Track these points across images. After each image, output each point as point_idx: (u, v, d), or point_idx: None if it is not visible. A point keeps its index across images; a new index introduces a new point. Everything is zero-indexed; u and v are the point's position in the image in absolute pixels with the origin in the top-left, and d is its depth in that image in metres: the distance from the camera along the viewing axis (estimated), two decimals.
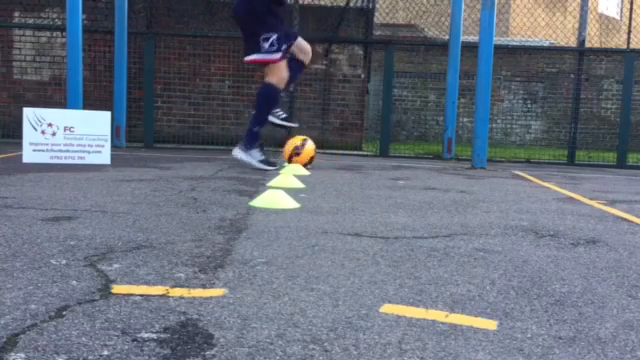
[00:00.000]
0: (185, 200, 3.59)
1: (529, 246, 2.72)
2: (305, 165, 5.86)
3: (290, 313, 1.69)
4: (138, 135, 8.90)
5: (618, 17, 19.41)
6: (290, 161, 5.91)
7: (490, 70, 6.89)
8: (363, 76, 9.86)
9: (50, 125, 5.43)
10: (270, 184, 4.36)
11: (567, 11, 14.91)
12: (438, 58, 13.01)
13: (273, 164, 5.68)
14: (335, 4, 9.79)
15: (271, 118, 5.84)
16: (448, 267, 2.28)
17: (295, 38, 5.86)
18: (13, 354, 1.34)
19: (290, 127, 6.45)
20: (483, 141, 7.00)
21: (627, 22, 9.75)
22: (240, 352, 1.41)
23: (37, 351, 1.36)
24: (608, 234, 3.12)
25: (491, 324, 1.68)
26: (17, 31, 9.27)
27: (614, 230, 3.25)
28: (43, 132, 5.42)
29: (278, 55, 5.56)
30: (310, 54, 6.03)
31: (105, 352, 1.37)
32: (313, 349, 1.45)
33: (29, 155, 5.40)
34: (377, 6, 10.60)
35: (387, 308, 1.77)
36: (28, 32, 9.27)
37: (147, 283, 1.90)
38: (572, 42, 13.36)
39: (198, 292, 1.83)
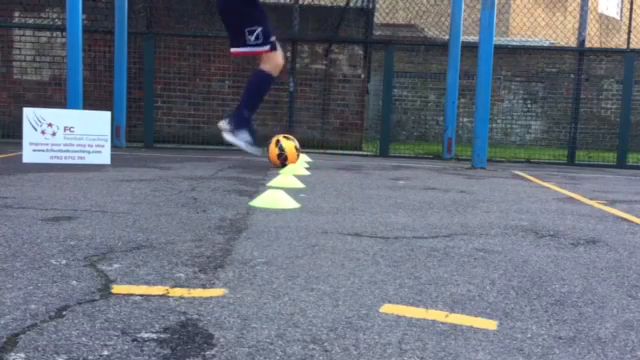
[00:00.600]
0: (185, 200, 3.59)
1: (529, 246, 2.72)
2: (297, 156, 5.90)
3: (290, 313, 1.69)
4: (138, 135, 8.90)
5: (618, 17, 19.40)
6: (285, 165, 5.83)
7: (490, 70, 6.89)
8: (363, 76, 9.86)
9: (50, 125, 5.43)
10: (270, 184, 4.36)
11: (567, 11, 14.91)
12: (438, 58, 13.01)
13: (257, 145, 5.73)
14: (335, 4, 9.79)
15: (236, 140, 5.71)
16: (448, 267, 2.28)
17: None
18: (13, 354, 1.34)
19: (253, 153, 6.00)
20: (483, 141, 7.00)
21: (627, 22, 9.75)
22: (240, 352, 1.41)
23: (37, 351, 1.36)
24: (608, 234, 3.12)
25: (491, 324, 1.68)
26: (17, 31, 9.28)
27: (614, 230, 3.25)
28: (43, 132, 5.42)
29: (267, 47, 5.58)
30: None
31: (105, 352, 1.37)
32: (313, 349, 1.45)
33: (29, 155, 5.40)
34: (377, 6, 10.60)
35: (387, 308, 1.77)
36: (28, 32, 9.27)
37: (147, 283, 1.90)
38: (572, 42, 13.35)
39: (198, 292, 1.83)
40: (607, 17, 18.69)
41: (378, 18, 11.53)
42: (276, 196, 3.54)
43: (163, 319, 1.59)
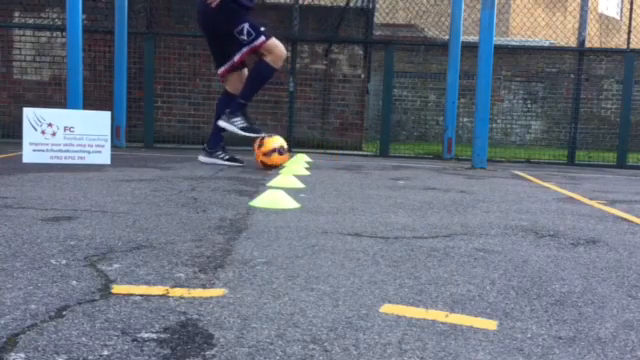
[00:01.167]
0: (185, 200, 3.59)
1: (529, 246, 2.72)
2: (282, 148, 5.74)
3: (290, 313, 1.69)
4: (138, 135, 8.90)
5: (618, 17, 19.41)
6: (279, 165, 5.76)
7: (490, 70, 6.89)
8: (363, 76, 9.85)
9: (50, 125, 5.43)
10: (270, 184, 4.36)
11: (567, 11, 14.91)
12: (438, 58, 13.02)
13: (255, 130, 5.82)
14: (335, 4, 9.79)
15: (214, 160, 5.90)
16: (448, 267, 2.28)
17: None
18: (13, 354, 1.34)
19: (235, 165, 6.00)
20: (483, 141, 7.00)
21: (627, 22, 9.75)
22: (240, 352, 1.41)
23: (37, 351, 1.36)
24: (608, 234, 3.12)
25: (491, 324, 1.68)
26: (17, 31, 9.28)
27: (614, 230, 3.25)
28: (43, 132, 5.42)
29: (262, 38, 5.60)
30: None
31: (105, 352, 1.37)
32: (313, 349, 1.45)
33: (29, 155, 5.40)
34: (377, 6, 10.60)
35: (387, 308, 1.77)
36: (28, 32, 9.27)
37: (147, 283, 1.90)
38: (572, 42, 13.35)
39: (198, 292, 1.83)
40: (607, 17, 18.70)
41: (378, 18, 11.53)
42: (276, 196, 3.54)
43: (163, 319, 1.59)
